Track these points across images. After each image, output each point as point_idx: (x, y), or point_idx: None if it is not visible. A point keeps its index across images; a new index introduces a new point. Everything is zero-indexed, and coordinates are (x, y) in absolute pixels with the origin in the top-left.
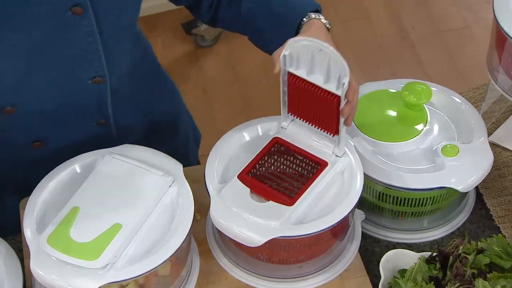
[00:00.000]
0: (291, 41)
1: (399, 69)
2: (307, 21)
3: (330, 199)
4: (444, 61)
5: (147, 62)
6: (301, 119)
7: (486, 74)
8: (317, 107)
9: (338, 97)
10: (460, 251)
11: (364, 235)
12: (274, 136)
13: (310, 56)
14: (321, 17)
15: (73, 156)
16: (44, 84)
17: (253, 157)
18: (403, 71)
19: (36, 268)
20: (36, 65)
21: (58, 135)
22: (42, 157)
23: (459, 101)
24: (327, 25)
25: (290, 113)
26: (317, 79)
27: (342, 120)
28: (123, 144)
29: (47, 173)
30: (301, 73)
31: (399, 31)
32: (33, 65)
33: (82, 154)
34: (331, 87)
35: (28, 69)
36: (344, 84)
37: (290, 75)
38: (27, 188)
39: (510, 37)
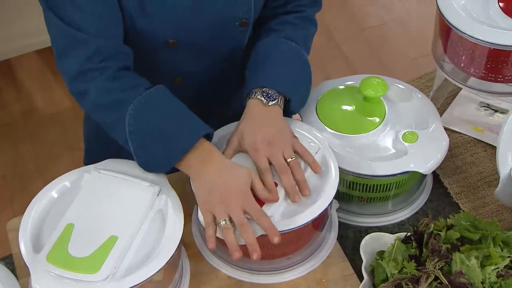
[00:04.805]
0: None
1: (329, 68)
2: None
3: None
4: (369, 57)
5: None
6: None
7: (408, 65)
8: None
9: None
10: (432, 229)
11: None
12: None
13: None
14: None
15: (198, 97)
16: (204, 20)
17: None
18: (333, 70)
19: (38, 286)
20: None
21: (195, 74)
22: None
23: (410, 90)
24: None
25: None
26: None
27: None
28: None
29: None
30: None
31: (324, 32)
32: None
33: (68, 172)
34: None
35: (194, 4)
36: None
37: None
38: None
39: (454, 27)
